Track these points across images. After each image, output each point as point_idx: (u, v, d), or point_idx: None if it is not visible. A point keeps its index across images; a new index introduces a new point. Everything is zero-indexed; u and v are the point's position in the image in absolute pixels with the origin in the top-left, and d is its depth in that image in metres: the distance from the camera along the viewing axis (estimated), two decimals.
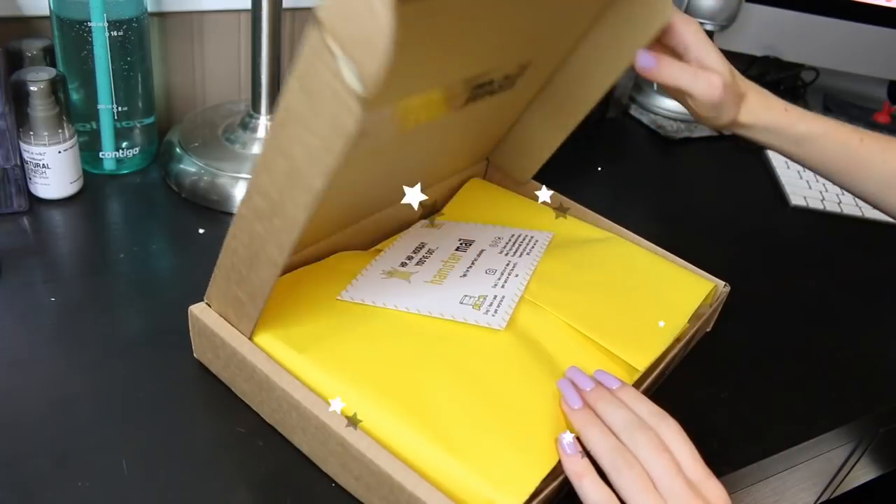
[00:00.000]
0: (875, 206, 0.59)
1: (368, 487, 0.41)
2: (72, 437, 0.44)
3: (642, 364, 0.49)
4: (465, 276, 0.53)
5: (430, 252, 0.56)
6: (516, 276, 0.54)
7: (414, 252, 0.56)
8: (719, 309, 0.60)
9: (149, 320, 0.53)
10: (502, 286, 0.52)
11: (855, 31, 1.05)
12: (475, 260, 0.55)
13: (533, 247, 0.58)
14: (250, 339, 0.45)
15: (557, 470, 0.40)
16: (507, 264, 0.55)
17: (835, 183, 0.59)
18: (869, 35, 1.05)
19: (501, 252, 0.57)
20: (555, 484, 0.40)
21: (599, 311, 0.53)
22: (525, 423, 0.42)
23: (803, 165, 0.59)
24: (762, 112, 0.56)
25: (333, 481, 0.44)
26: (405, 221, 0.62)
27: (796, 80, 1.13)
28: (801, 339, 0.63)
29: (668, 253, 0.60)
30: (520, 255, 0.56)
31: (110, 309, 0.54)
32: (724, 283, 0.59)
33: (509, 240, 0.59)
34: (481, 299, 0.50)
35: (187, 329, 0.50)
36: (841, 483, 0.70)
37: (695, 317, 0.56)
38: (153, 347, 0.51)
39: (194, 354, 0.51)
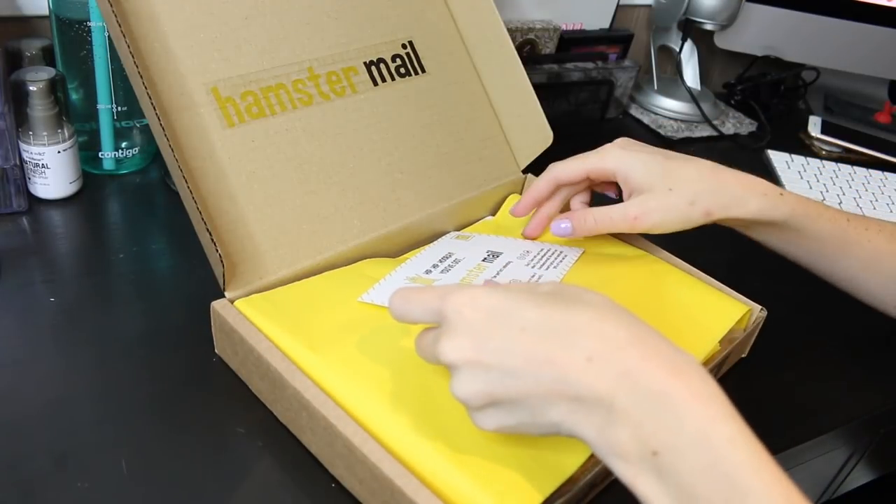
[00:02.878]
0: (851, 289, 0.58)
1: (372, 491, 0.41)
2: (72, 437, 0.44)
3: None
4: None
5: (457, 262, 0.55)
6: None
7: (440, 260, 0.55)
8: (756, 333, 0.58)
9: (148, 320, 0.53)
10: None
11: (856, 30, 1.05)
12: (500, 271, 0.54)
13: (561, 261, 0.56)
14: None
15: (563, 489, 0.40)
16: (533, 276, 0.54)
17: (815, 270, 0.57)
18: (870, 35, 1.05)
19: (528, 265, 0.55)
20: (560, 502, 0.40)
21: None
22: (535, 438, 0.42)
23: (790, 254, 0.57)
24: (757, 198, 0.53)
25: (333, 483, 0.44)
26: (437, 232, 0.62)
27: (797, 79, 1.13)
28: (800, 339, 0.63)
29: (702, 273, 0.59)
30: (546, 269, 0.55)
31: (110, 309, 0.54)
32: (760, 307, 0.57)
33: (538, 253, 0.57)
34: None
35: (186, 329, 0.50)
36: (841, 484, 0.70)
37: (726, 340, 0.54)
38: (153, 347, 0.51)
39: (215, 350, 0.51)
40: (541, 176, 0.58)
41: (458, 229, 0.64)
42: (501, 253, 0.57)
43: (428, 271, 0.53)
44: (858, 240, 0.55)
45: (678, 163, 0.53)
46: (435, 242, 0.59)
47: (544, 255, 0.57)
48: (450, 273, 0.53)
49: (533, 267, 0.55)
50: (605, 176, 0.56)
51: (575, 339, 0.34)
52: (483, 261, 0.56)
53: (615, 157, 0.55)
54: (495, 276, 0.53)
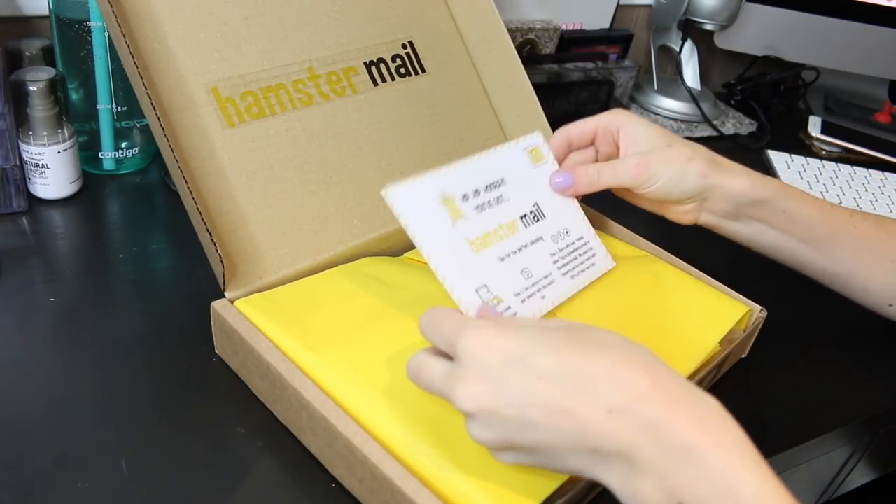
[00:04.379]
0: (843, 284, 0.57)
1: (371, 491, 0.41)
2: (72, 437, 0.44)
3: None
4: (503, 260, 0.48)
5: (500, 200, 0.49)
6: (543, 297, 0.49)
7: (487, 187, 0.49)
8: (756, 333, 0.58)
9: (148, 320, 0.53)
10: (523, 301, 0.47)
11: (856, 30, 1.05)
12: (524, 247, 0.49)
13: (584, 270, 0.53)
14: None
15: (563, 490, 0.40)
16: (547, 276, 0.50)
17: (806, 263, 0.57)
18: (870, 35, 1.05)
19: (553, 255, 0.51)
20: (560, 502, 0.40)
21: (624, 329, 0.51)
22: None
23: (783, 248, 0.56)
24: (744, 172, 0.54)
25: (333, 483, 0.44)
26: None
27: (797, 79, 1.13)
28: (800, 339, 0.63)
29: (702, 274, 0.59)
30: (564, 273, 0.51)
31: (110, 309, 0.54)
32: (760, 307, 0.57)
33: (571, 244, 0.53)
34: (496, 301, 0.46)
35: (186, 329, 0.50)
36: (842, 484, 0.70)
37: (726, 340, 0.54)
38: (153, 347, 0.51)
39: (215, 350, 0.51)
40: (552, 136, 0.56)
41: None
42: (544, 218, 0.51)
43: (465, 197, 0.47)
44: (845, 226, 0.55)
45: (678, 136, 0.55)
46: (507, 146, 0.52)
47: (576, 250, 0.53)
48: (483, 214, 0.48)
49: (555, 262, 0.51)
50: (611, 132, 0.55)
51: (594, 389, 0.33)
52: (521, 218, 0.50)
53: (624, 114, 0.54)
54: (515, 252, 0.49)
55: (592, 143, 0.56)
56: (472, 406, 0.35)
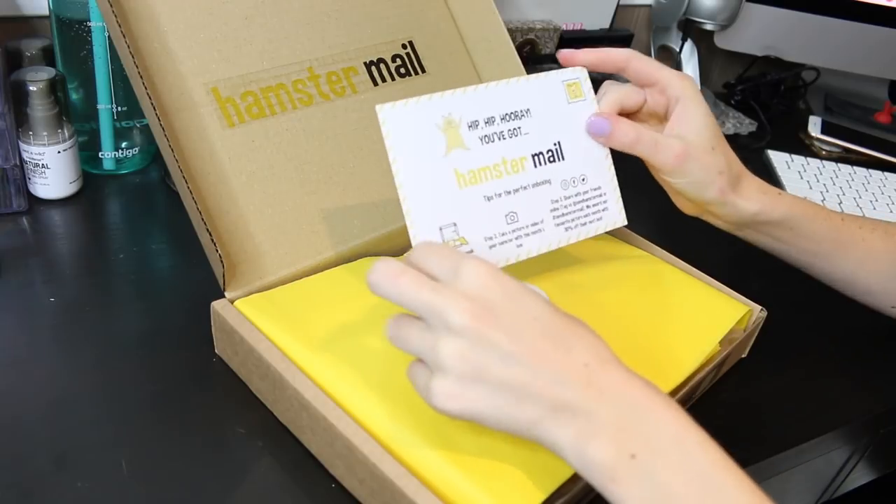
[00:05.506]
0: (848, 289, 0.58)
1: (372, 491, 0.41)
2: (72, 437, 0.44)
3: (666, 387, 0.48)
4: (489, 199, 0.45)
5: (516, 132, 0.46)
6: (519, 245, 0.46)
7: (506, 116, 0.45)
8: (756, 334, 0.58)
9: (148, 320, 0.53)
10: (492, 246, 0.44)
11: (856, 30, 1.05)
12: (525, 188, 0.46)
13: (586, 224, 0.49)
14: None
15: (564, 489, 0.40)
16: (536, 224, 0.46)
17: (811, 271, 0.57)
18: (870, 35, 1.05)
19: (555, 202, 0.47)
20: (560, 502, 0.40)
21: (625, 329, 0.51)
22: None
23: (786, 255, 0.56)
24: (759, 195, 0.53)
25: (333, 483, 0.44)
26: None
27: (797, 79, 1.13)
28: (800, 339, 0.63)
29: (702, 274, 0.59)
30: (559, 224, 0.47)
31: (110, 309, 0.54)
32: (760, 307, 0.57)
33: (582, 193, 0.49)
34: (461, 242, 0.43)
35: (186, 329, 0.50)
36: (841, 484, 0.70)
37: (726, 340, 0.54)
38: (153, 347, 0.51)
39: (215, 350, 0.51)
40: (621, 51, 0.51)
41: None
42: (561, 160, 0.48)
43: (474, 124, 0.44)
44: (853, 239, 0.55)
45: (722, 136, 0.53)
46: (544, 75, 0.48)
47: (585, 200, 0.49)
48: (488, 147, 0.45)
49: (553, 210, 0.47)
50: (671, 95, 0.51)
51: (575, 343, 0.36)
52: (534, 156, 0.46)
53: (693, 87, 0.51)
54: (505, 194, 0.45)
55: (648, 86, 0.52)
56: (463, 319, 0.34)
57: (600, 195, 0.50)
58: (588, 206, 0.50)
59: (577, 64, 0.50)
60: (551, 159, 0.47)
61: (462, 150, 0.44)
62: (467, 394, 0.35)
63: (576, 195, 0.49)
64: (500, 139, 0.45)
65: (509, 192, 0.46)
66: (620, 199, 0.52)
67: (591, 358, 0.35)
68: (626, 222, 0.52)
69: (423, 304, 0.36)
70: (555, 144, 0.48)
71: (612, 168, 0.51)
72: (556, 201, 0.48)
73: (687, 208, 0.55)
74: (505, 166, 0.45)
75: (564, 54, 0.50)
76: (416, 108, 0.43)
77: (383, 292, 0.37)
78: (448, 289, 0.36)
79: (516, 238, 0.46)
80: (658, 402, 0.35)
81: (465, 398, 0.35)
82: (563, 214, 0.48)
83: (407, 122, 0.42)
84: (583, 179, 0.49)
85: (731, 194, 0.52)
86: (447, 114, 0.43)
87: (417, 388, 0.38)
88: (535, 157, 0.47)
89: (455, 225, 0.43)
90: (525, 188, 0.46)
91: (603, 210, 0.50)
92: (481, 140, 0.45)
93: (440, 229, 0.43)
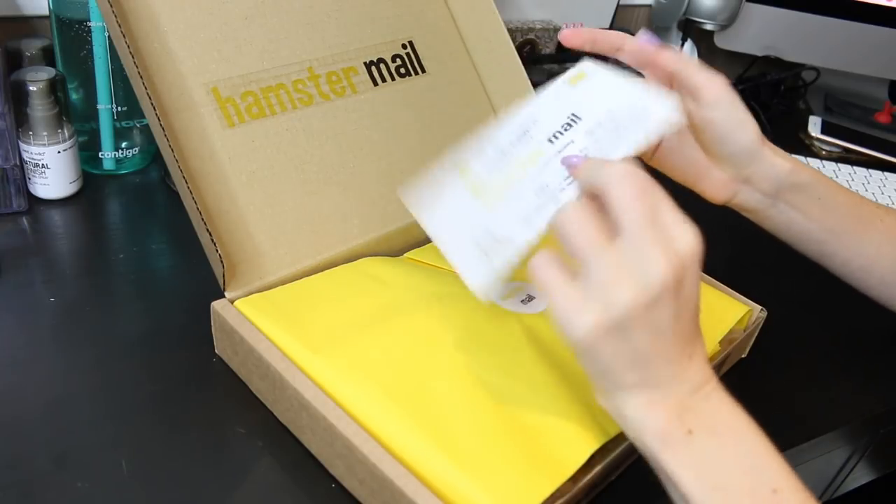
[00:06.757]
0: (862, 278, 0.55)
1: (371, 491, 0.41)
2: (72, 437, 0.44)
3: None
4: (512, 188, 0.42)
5: (524, 138, 0.44)
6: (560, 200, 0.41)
7: (513, 141, 0.45)
8: (756, 333, 0.58)
9: (148, 320, 0.53)
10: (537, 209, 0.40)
11: (856, 30, 1.05)
12: (548, 163, 0.42)
13: (628, 137, 0.42)
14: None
15: (563, 489, 0.40)
16: (568, 177, 0.40)
17: (828, 254, 0.55)
18: (870, 35, 1.05)
19: (583, 150, 0.41)
20: (560, 502, 0.40)
21: None
22: (535, 439, 0.42)
23: (807, 237, 0.54)
24: (785, 154, 0.53)
25: (333, 483, 0.44)
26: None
27: (797, 79, 1.13)
28: (800, 339, 0.63)
29: (703, 274, 0.58)
30: (598, 151, 0.42)
31: (110, 309, 0.54)
32: (760, 307, 0.57)
33: (611, 121, 0.42)
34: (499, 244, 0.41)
35: (186, 329, 0.50)
36: (842, 484, 0.70)
37: (726, 340, 0.54)
38: (153, 347, 0.51)
39: (215, 350, 0.51)
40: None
41: None
42: (579, 121, 0.43)
43: (481, 155, 0.45)
44: (872, 218, 0.54)
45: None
46: (549, 89, 0.47)
47: (616, 120, 0.42)
48: (502, 162, 0.44)
49: (584, 149, 0.41)
50: (690, 85, 0.47)
51: (697, 336, 0.39)
52: (549, 140, 0.43)
53: (696, 62, 0.48)
54: (538, 171, 0.42)
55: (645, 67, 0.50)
56: (669, 277, 0.34)
57: (634, 105, 0.42)
58: (624, 124, 0.42)
59: (577, 42, 0.50)
60: (569, 126, 0.43)
61: (476, 178, 0.44)
62: (610, 337, 0.35)
63: (604, 123, 0.42)
64: (512, 149, 0.44)
65: (532, 177, 0.42)
66: (662, 89, 0.45)
67: (695, 350, 0.38)
68: (676, 114, 0.41)
69: (641, 237, 0.35)
70: (569, 116, 0.44)
71: (638, 78, 0.46)
72: (585, 148, 0.41)
73: (721, 189, 0.51)
74: (523, 167, 0.43)
75: (565, 33, 0.49)
76: (425, 177, 0.44)
77: (633, 205, 0.36)
78: (665, 244, 0.35)
79: (552, 198, 0.41)
80: (729, 402, 0.38)
81: (605, 340, 0.35)
82: (596, 141, 0.42)
83: (429, 192, 0.44)
84: (608, 110, 0.43)
85: (765, 146, 0.51)
86: (456, 160, 0.45)
87: (556, 293, 0.36)
88: (552, 139, 0.43)
89: (490, 231, 0.41)
90: (547, 163, 0.42)
91: (642, 116, 0.42)
92: (493, 162, 0.44)
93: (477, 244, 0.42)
